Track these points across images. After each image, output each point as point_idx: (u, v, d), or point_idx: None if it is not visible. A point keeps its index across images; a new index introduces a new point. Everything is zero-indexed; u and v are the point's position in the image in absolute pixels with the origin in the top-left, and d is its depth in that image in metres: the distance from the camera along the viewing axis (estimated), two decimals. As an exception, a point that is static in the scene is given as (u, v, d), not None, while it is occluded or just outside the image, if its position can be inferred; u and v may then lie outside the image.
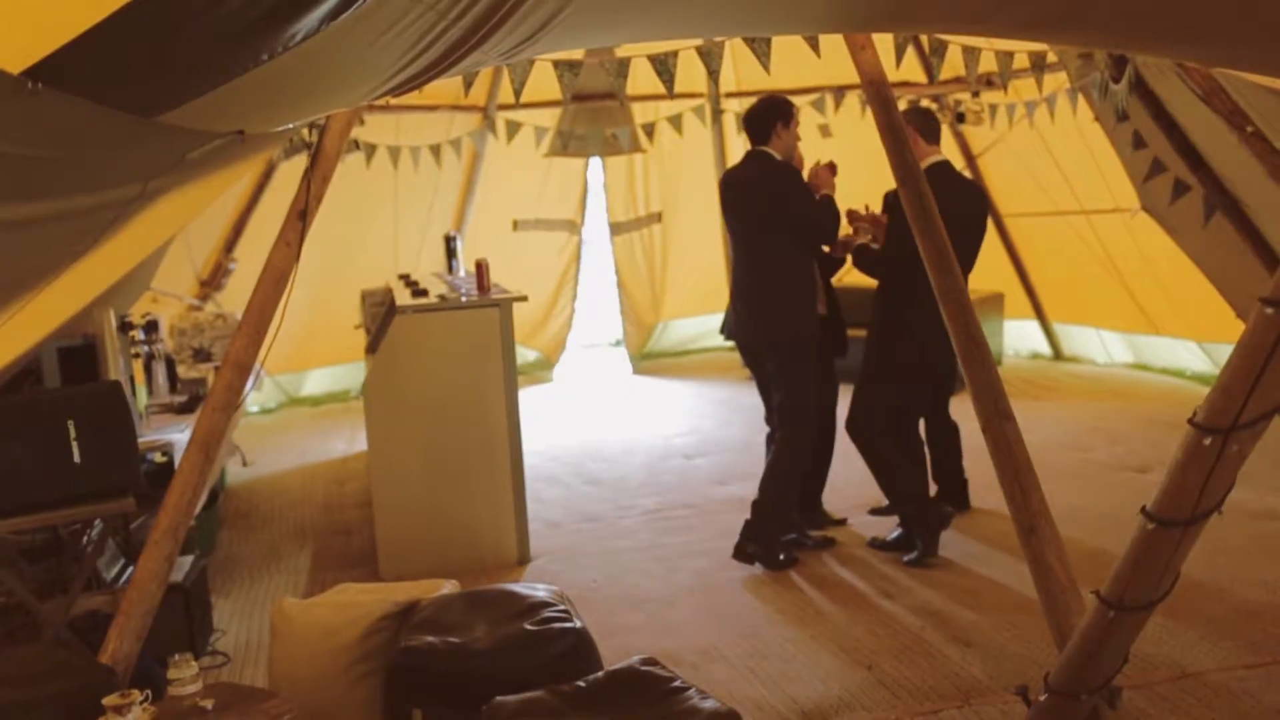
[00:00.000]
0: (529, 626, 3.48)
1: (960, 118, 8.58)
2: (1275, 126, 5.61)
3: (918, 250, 4.66)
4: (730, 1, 3.11)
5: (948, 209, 4.87)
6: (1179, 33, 3.34)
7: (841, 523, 6.01)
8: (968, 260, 5.32)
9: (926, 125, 5.41)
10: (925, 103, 8.83)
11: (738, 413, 8.57)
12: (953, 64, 6.16)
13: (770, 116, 5.35)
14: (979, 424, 3.81)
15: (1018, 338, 10.40)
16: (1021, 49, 5.71)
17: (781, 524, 5.50)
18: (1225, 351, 8.79)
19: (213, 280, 8.70)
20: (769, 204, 5.29)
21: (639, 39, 3.97)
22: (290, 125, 3.81)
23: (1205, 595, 4.78)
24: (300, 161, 7.45)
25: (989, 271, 9.78)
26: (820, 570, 5.37)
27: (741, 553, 5.50)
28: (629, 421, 8.78)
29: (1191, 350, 9.18)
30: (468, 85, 4.84)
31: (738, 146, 10.57)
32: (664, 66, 4.95)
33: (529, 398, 9.56)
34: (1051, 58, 6.04)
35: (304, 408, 9.88)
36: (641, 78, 6.45)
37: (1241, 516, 5.70)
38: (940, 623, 4.67)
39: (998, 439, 3.71)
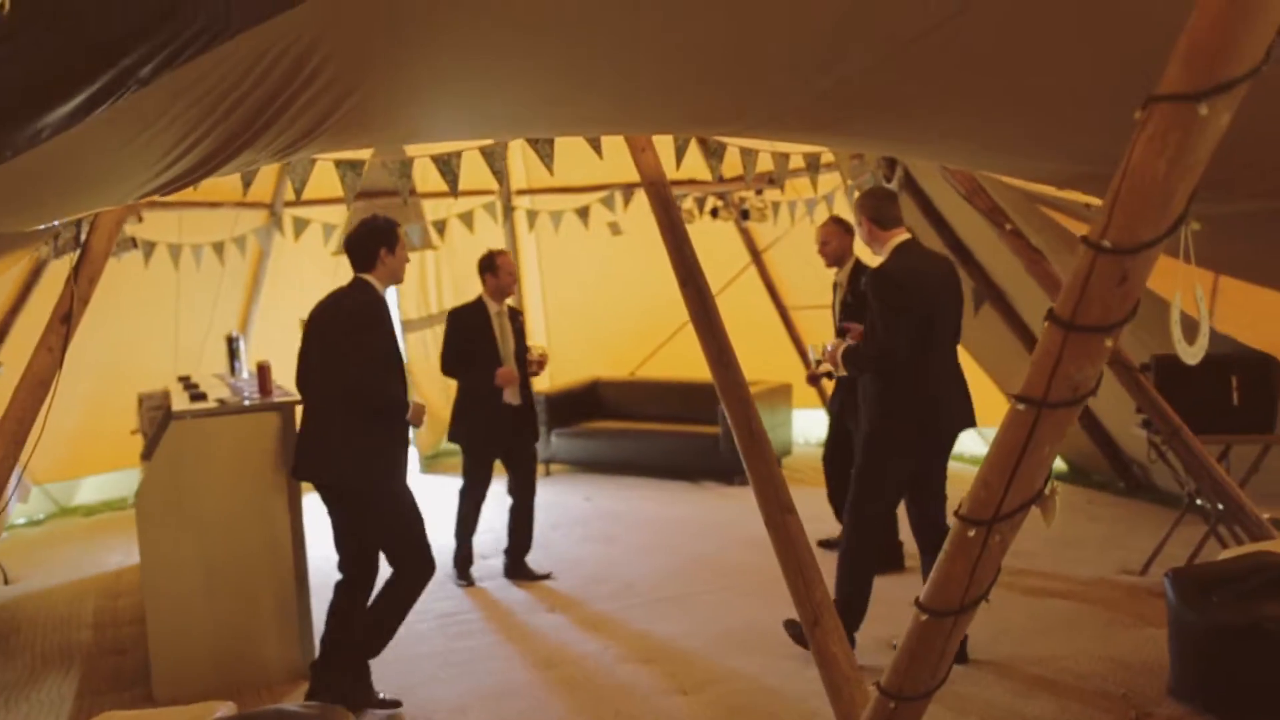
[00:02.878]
0: (307, 748, 3.32)
1: (745, 214, 8.84)
2: (1030, 224, 5.97)
3: (913, 327, 4.76)
4: (497, 108, 3.14)
5: (927, 282, 4.93)
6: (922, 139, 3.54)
7: (546, 577, 6.90)
8: (956, 330, 5.15)
9: (876, 210, 5.04)
10: (711, 201, 9.08)
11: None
12: (735, 163, 6.37)
13: (373, 242, 4.90)
14: (761, 516, 3.86)
15: (807, 426, 10.67)
16: (796, 150, 5.94)
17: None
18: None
19: (-27, 385, 8.17)
20: (345, 336, 4.83)
21: (413, 140, 3.96)
22: (51, 223, 3.64)
23: (989, 677, 4.92)
24: (73, 260, 7.11)
25: (777, 362, 10.07)
26: (619, 670, 5.32)
27: (325, 691, 4.87)
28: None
29: (969, 434, 9.59)
30: (246, 184, 4.73)
31: (530, 242, 10.65)
32: (448, 167, 4.94)
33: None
34: (826, 158, 6.30)
35: (76, 518, 9.32)
36: (433, 175, 6.42)
37: (1022, 594, 5.94)
38: (739, 717, 4.67)
39: (779, 532, 3.77)
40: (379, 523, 4.91)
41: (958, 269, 5.31)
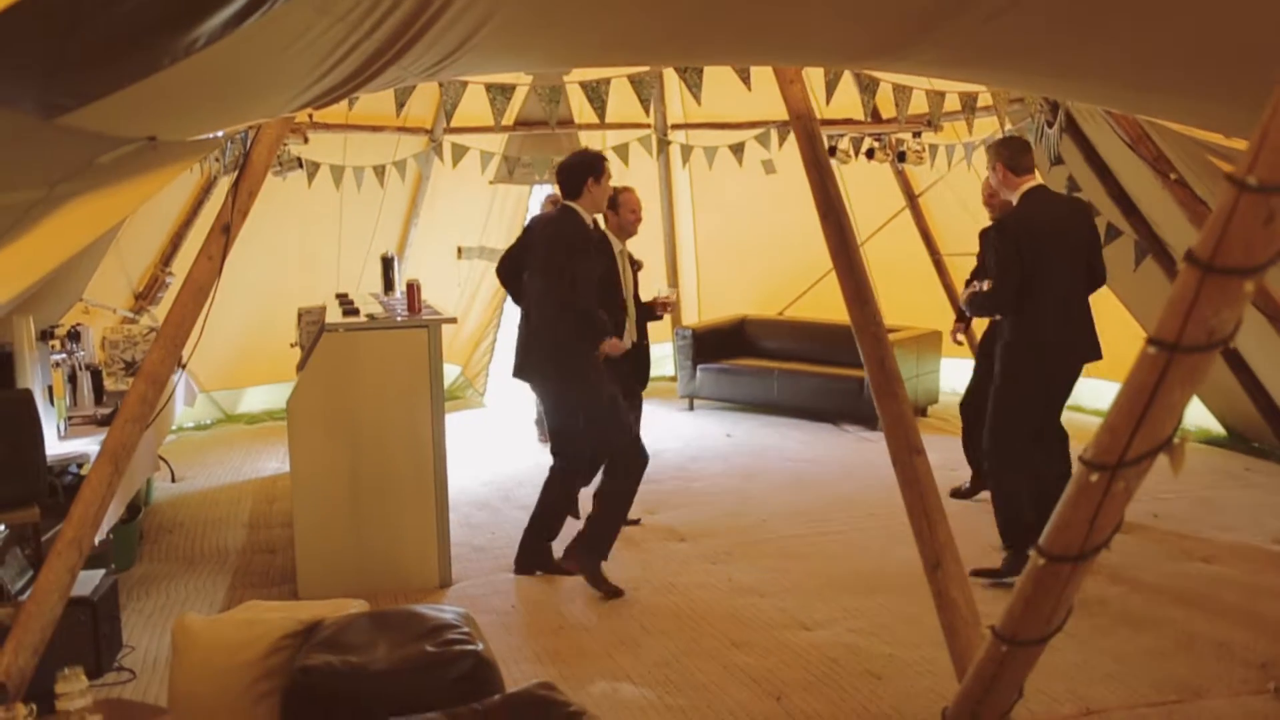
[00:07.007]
0: (429, 648, 3.44)
1: (901, 157, 8.65)
2: (1196, 173, 5.71)
3: (1026, 275, 5.10)
4: (636, 29, 3.12)
5: (1046, 230, 5.19)
6: (1094, 77, 3.40)
7: (636, 523, 6.44)
8: (1091, 273, 5.47)
9: (1012, 157, 5.33)
10: (868, 142, 8.91)
11: (674, 440, 8.58)
12: (890, 104, 6.23)
13: (583, 172, 5.35)
14: (890, 457, 3.83)
15: (955, 376, 10.44)
16: (952, 90, 5.78)
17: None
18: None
19: (148, 293, 8.60)
20: (557, 261, 5.38)
21: (558, 64, 3.99)
22: (208, 135, 3.78)
23: (1121, 632, 4.81)
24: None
25: (927, 309, 9.87)
26: (738, 602, 5.36)
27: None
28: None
29: (1093, 384, 9.26)
30: (399, 105, 4.84)
31: (682, 177, 10.64)
32: (595, 93, 4.96)
33: (464, 422, 9.53)
34: (984, 101, 6.12)
35: (240, 425, 9.77)
36: (589, 106, 6.39)
37: (1164, 556, 5.76)
38: (854, 655, 4.67)
39: (907, 473, 3.73)
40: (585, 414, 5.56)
41: (1089, 211, 5.49)
